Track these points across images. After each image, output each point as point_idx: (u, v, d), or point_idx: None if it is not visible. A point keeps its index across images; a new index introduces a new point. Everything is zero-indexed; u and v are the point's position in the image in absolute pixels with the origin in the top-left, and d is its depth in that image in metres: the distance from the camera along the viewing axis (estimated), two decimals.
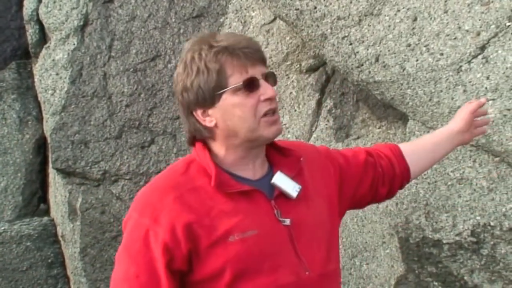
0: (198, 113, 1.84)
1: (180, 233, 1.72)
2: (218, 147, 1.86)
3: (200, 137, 1.88)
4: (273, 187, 1.86)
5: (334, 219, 2.02)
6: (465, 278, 2.68)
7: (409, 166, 2.19)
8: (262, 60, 1.83)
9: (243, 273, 1.74)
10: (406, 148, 2.22)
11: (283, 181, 1.85)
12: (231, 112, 1.79)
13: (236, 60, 1.77)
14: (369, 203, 2.23)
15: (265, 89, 1.79)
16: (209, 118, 1.83)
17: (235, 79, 1.77)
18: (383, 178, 2.15)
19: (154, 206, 1.76)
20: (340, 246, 3.03)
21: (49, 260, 4.35)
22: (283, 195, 1.85)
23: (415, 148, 2.24)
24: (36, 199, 4.60)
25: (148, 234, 1.74)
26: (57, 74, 4.01)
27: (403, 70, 2.63)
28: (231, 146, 1.84)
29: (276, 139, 1.91)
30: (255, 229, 1.77)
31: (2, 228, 4.36)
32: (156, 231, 1.73)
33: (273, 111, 1.81)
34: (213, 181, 1.78)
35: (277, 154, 1.95)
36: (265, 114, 1.80)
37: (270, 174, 1.89)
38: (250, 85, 1.78)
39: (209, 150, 1.87)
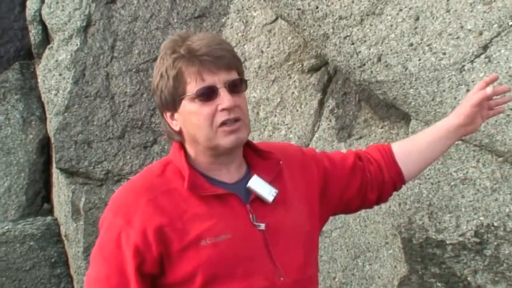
0: (167, 115, 1.84)
1: (151, 236, 1.70)
2: (189, 150, 1.85)
3: (173, 139, 1.88)
4: (250, 190, 1.83)
5: (314, 222, 1.98)
6: (469, 279, 2.67)
7: (401, 169, 2.13)
8: (225, 67, 1.78)
9: (215, 278, 1.72)
10: (400, 149, 2.16)
11: (259, 185, 1.83)
12: (189, 119, 1.78)
13: (193, 67, 1.75)
14: (359, 207, 2.19)
15: (223, 99, 1.75)
16: (175, 122, 1.83)
17: (192, 87, 1.75)
18: (371, 183, 2.11)
19: (128, 208, 1.75)
20: (343, 247, 3.05)
21: (53, 260, 4.36)
22: (259, 199, 1.82)
23: (411, 148, 2.17)
24: (39, 198, 4.60)
25: (121, 236, 1.73)
26: (60, 74, 4.01)
27: (406, 69, 2.62)
28: (198, 151, 1.83)
29: (266, 141, 1.89)
30: (228, 233, 1.74)
31: (6, 227, 4.37)
32: (128, 233, 1.72)
33: (233, 120, 1.77)
34: (186, 183, 1.76)
35: (256, 157, 1.92)
36: (223, 124, 1.76)
37: (248, 177, 1.86)
38: (205, 94, 1.75)
39: (185, 151, 1.85)
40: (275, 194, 1.83)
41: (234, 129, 1.78)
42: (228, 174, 1.85)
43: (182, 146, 1.86)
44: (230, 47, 1.88)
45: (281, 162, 1.93)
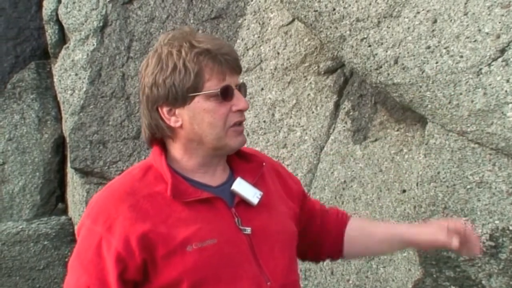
0: (164, 110, 1.76)
1: (134, 243, 1.64)
2: (177, 150, 1.80)
3: (160, 136, 1.80)
4: (234, 194, 1.80)
5: (295, 227, 1.95)
6: (483, 282, 2.66)
7: (343, 249, 2.07)
8: (239, 70, 1.80)
9: (201, 283, 1.67)
10: (354, 229, 2.09)
11: (243, 188, 1.80)
12: (201, 116, 1.74)
13: (217, 65, 1.72)
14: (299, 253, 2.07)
15: (239, 100, 1.76)
16: (175, 118, 1.75)
17: (212, 85, 1.72)
18: (313, 242, 2.07)
19: (108, 214, 1.68)
20: None
21: (66, 259, 4.37)
22: (243, 202, 1.79)
23: (362, 234, 2.09)
24: (54, 198, 4.63)
25: (101, 243, 1.65)
26: (76, 74, 4.03)
27: (422, 72, 2.62)
28: (191, 151, 1.78)
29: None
30: (214, 238, 1.70)
31: (20, 227, 4.39)
32: (109, 240, 1.65)
33: (240, 123, 1.78)
34: (169, 191, 1.70)
35: (238, 160, 1.90)
36: (234, 124, 1.75)
37: (231, 180, 1.82)
38: (226, 94, 1.73)
39: (166, 153, 1.80)
40: (260, 197, 1.80)
41: (242, 130, 1.79)
42: (213, 177, 1.81)
43: (162, 150, 1.80)
44: None
45: (264, 164, 1.91)
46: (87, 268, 1.66)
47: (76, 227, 4.31)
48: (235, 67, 1.78)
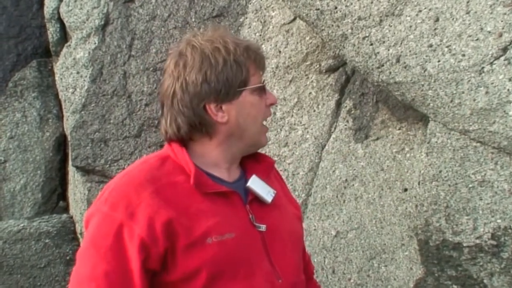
0: (211, 106, 1.75)
1: (159, 229, 1.61)
2: (206, 145, 1.80)
3: (200, 133, 1.78)
4: (247, 191, 1.81)
5: (302, 234, 1.99)
6: (485, 281, 2.66)
7: None
8: (265, 68, 1.89)
9: (218, 277, 1.67)
10: None
11: (258, 185, 1.81)
12: (247, 110, 1.78)
13: (258, 61, 1.80)
14: None
15: (271, 95, 1.84)
16: (222, 114, 1.76)
17: (255, 80, 1.78)
18: None
19: (129, 200, 1.64)
20: (359, 248, 3.04)
21: (68, 257, 4.38)
22: (256, 200, 1.81)
23: None
24: (55, 196, 4.63)
25: (122, 230, 1.61)
26: (77, 72, 4.03)
27: (424, 71, 2.61)
28: (224, 146, 1.80)
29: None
30: (232, 232, 1.70)
31: (22, 225, 4.39)
32: (132, 227, 1.61)
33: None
34: (192, 180, 1.69)
35: (249, 159, 1.91)
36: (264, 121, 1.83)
37: (243, 178, 1.84)
38: (263, 89, 1.81)
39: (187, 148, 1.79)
40: (273, 195, 1.83)
41: (268, 129, 1.87)
42: (229, 174, 1.83)
43: (181, 144, 1.79)
44: None
45: (275, 165, 1.94)
46: (105, 256, 1.61)
47: (77, 225, 4.33)
48: (265, 64, 1.87)
